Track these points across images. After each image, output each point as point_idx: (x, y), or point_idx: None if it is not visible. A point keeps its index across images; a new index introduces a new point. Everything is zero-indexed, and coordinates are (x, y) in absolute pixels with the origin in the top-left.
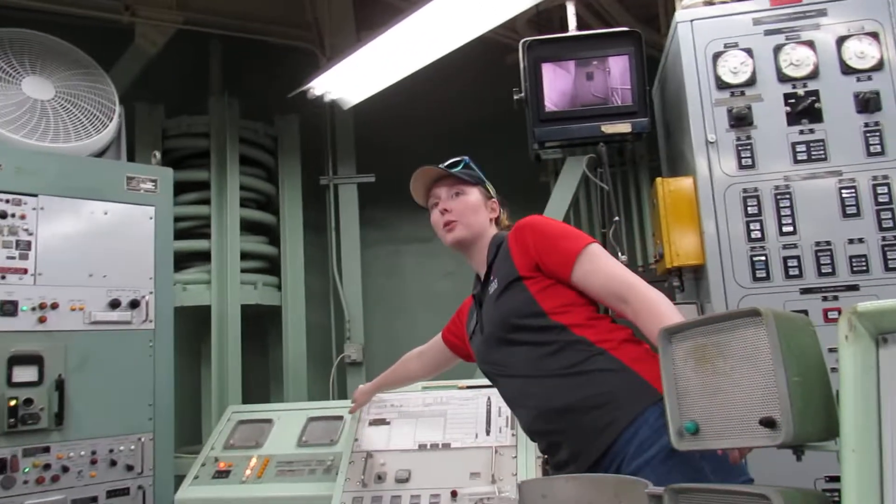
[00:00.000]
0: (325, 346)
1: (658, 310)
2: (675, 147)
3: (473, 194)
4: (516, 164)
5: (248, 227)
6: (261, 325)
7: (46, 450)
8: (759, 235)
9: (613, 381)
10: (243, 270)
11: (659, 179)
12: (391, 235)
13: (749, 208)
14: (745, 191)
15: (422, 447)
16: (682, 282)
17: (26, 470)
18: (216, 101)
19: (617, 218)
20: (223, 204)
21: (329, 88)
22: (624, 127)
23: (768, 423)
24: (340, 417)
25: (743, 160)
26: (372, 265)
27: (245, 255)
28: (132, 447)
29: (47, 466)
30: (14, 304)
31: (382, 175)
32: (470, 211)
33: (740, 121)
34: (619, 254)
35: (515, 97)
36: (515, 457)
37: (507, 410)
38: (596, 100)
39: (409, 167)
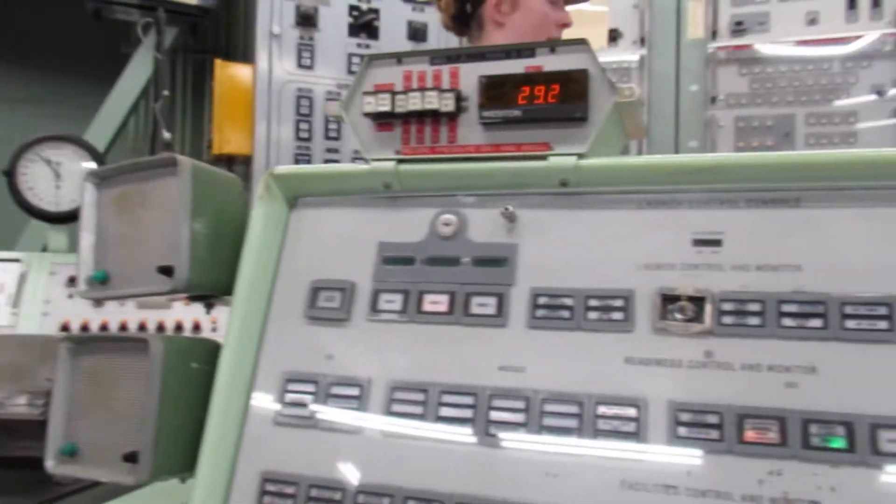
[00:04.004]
0: None
1: None
2: (236, 36)
3: None
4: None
5: None
6: None
7: None
8: (307, 136)
9: None
10: None
11: (218, 62)
12: None
13: (301, 108)
14: (299, 90)
15: None
16: (233, 171)
17: None
18: None
19: (167, 92)
20: None
21: None
22: None
23: (165, 271)
24: None
25: (303, 60)
26: None
27: None
28: None
29: None
30: None
31: None
32: None
33: (307, 20)
34: (164, 131)
35: None
36: None
37: None
38: None
39: None
